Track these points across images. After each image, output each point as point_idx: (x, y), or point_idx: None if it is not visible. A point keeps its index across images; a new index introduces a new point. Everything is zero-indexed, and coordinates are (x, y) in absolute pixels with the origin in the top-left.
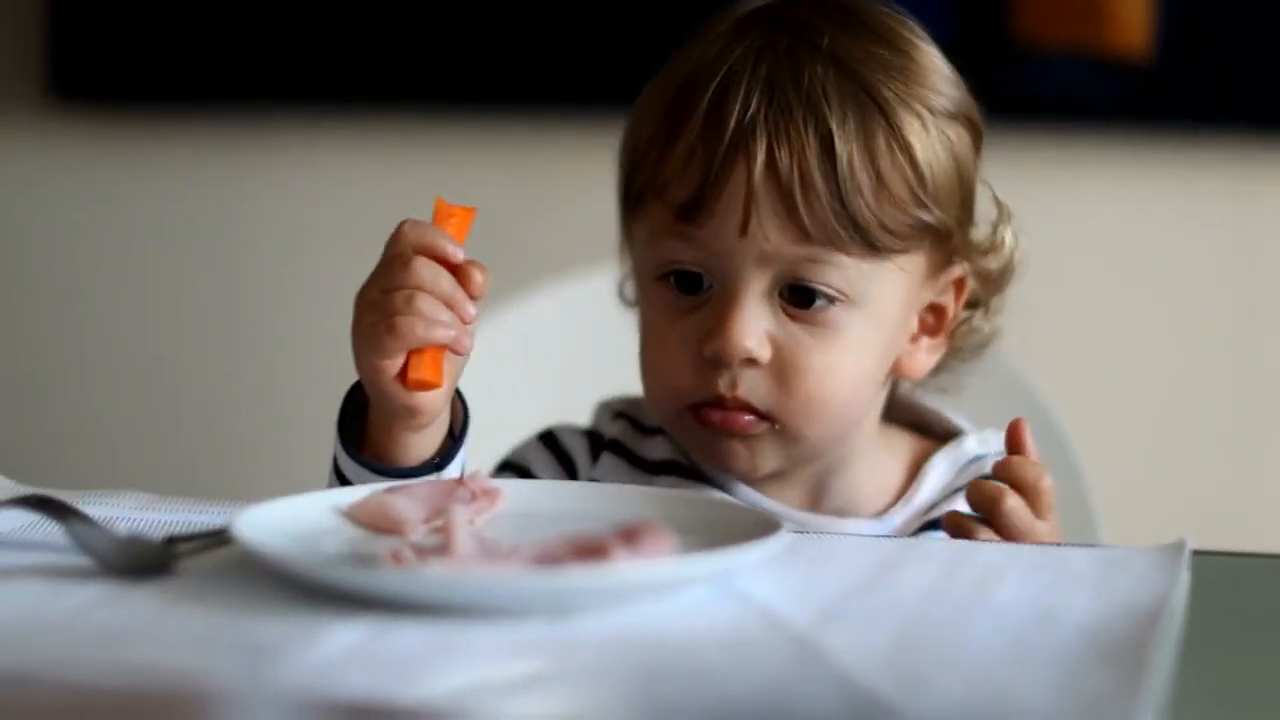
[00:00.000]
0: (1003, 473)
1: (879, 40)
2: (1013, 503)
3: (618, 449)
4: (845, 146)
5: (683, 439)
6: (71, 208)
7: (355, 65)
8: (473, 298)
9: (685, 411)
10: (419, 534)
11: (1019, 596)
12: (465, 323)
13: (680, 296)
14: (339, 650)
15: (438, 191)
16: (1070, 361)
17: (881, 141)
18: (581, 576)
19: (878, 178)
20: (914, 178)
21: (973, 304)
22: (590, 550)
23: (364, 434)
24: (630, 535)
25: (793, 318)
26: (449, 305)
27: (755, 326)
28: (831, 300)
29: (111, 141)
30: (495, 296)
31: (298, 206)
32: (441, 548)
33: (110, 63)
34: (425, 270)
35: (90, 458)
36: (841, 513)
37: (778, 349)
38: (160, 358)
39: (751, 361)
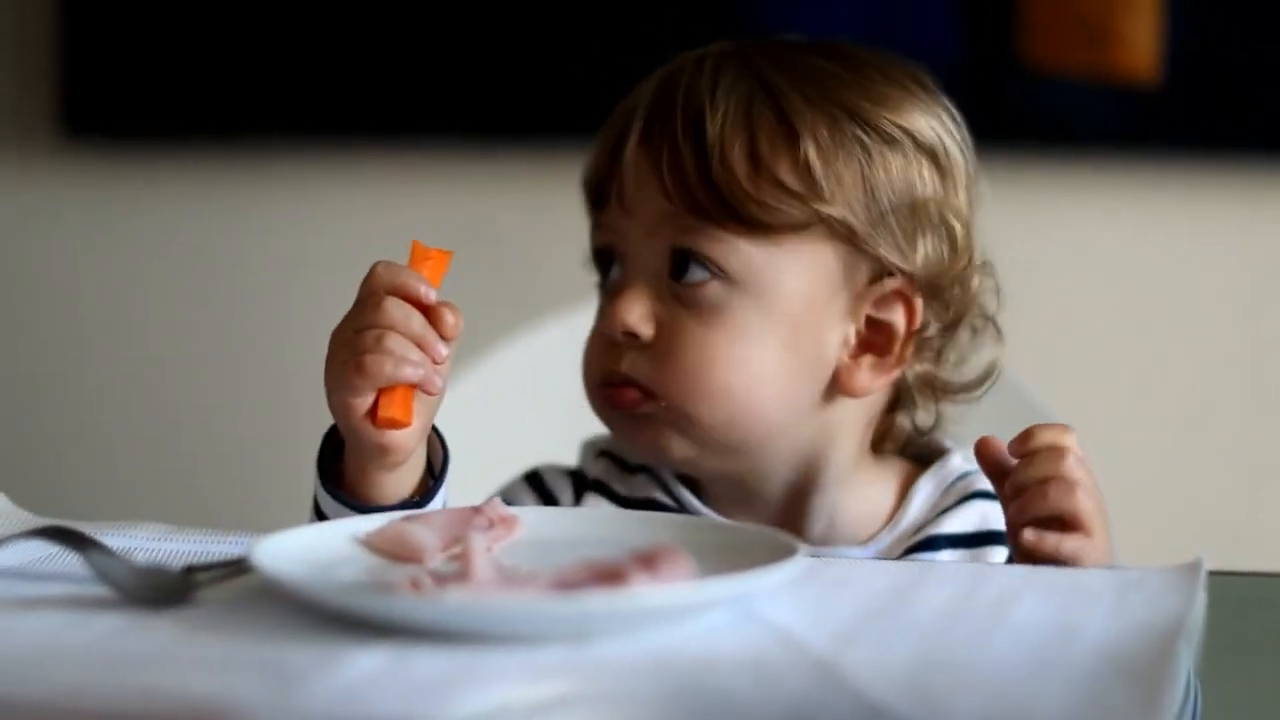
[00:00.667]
0: (1024, 447)
1: (834, 61)
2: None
3: (600, 489)
4: (715, 123)
5: (604, 424)
6: (84, 240)
7: (363, 99)
8: (445, 339)
9: (596, 392)
10: (437, 561)
11: (1036, 617)
12: (436, 363)
13: (604, 283)
14: (361, 676)
15: (446, 222)
16: (1079, 382)
17: (766, 128)
18: (601, 601)
19: (753, 157)
20: (804, 168)
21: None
22: (609, 575)
23: (342, 473)
24: (648, 560)
25: (679, 298)
26: (420, 345)
27: (638, 304)
28: (712, 275)
29: (123, 175)
30: (504, 326)
31: (306, 239)
32: (460, 574)
33: (121, 98)
34: (396, 310)
35: (100, 484)
36: (825, 541)
37: (660, 326)
38: (170, 387)
39: (634, 338)
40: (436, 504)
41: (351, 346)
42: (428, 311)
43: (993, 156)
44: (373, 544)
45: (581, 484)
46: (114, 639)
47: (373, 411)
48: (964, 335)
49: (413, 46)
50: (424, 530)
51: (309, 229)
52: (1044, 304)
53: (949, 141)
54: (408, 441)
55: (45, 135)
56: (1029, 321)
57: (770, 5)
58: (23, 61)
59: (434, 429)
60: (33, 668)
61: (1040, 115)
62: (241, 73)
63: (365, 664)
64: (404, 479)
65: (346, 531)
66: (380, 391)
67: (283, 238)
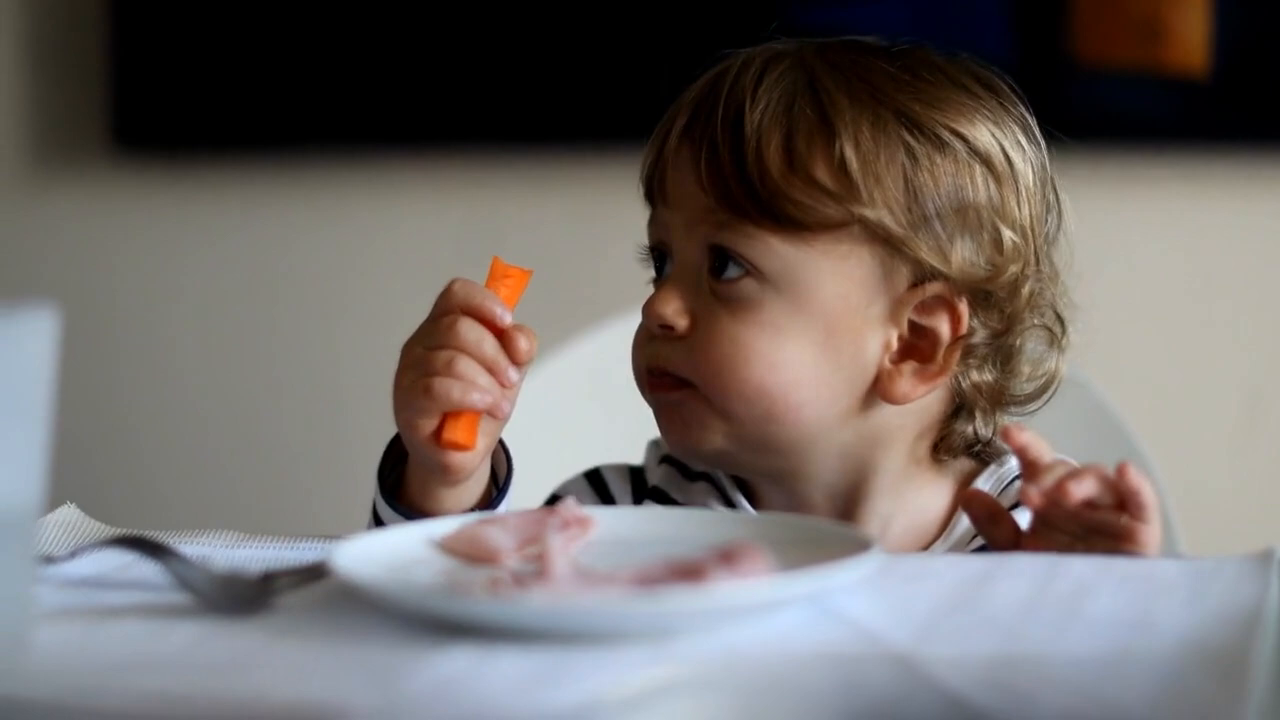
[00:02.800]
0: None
1: (894, 63)
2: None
3: (659, 496)
4: (754, 119)
5: (654, 415)
6: (135, 253)
7: (413, 109)
8: (517, 364)
9: (642, 384)
10: (513, 562)
11: (1113, 609)
12: (505, 387)
13: (657, 279)
14: (446, 677)
15: (504, 229)
16: (1141, 375)
17: (805, 125)
18: (682, 598)
19: (789, 153)
20: (839, 166)
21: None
22: (688, 572)
23: (402, 484)
24: (728, 556)
25: (715, 294)
26: (490, 370)
27: (674, 298)
28: (746, 271)
29: (173, 189)
30: (566, 330)
31: (360, 249)
32: (539, 575)
33: (171, 112)
34: (470, 332)
35: (157, 494)
36: None
37: (694, 320)
38: (223, 398)
39: (670, 330)
40: (501, 510)
41: (421, 366)
42: (501, 334)
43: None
44: (448, 546)
45: (640, 488)
46: (197, 646)
47: (438, 432)
48: (1035, 345)
49: (464, 55)
50: (499, 532)
51: (360, 240)
52: (1096, 299)
53: (1011, 149)
54: (470, 462)
55: (96, 149)
56: (1086, 313)
57: (820, 6)
58: (74, 76)
59: (500, 441)
60: (119, 676)
61: (1091, 111)
62: (291, 86)
63: (449, 666)
64: (465, 495)
65: (421, 534)
66: (446, 414)
67: (333, 248)
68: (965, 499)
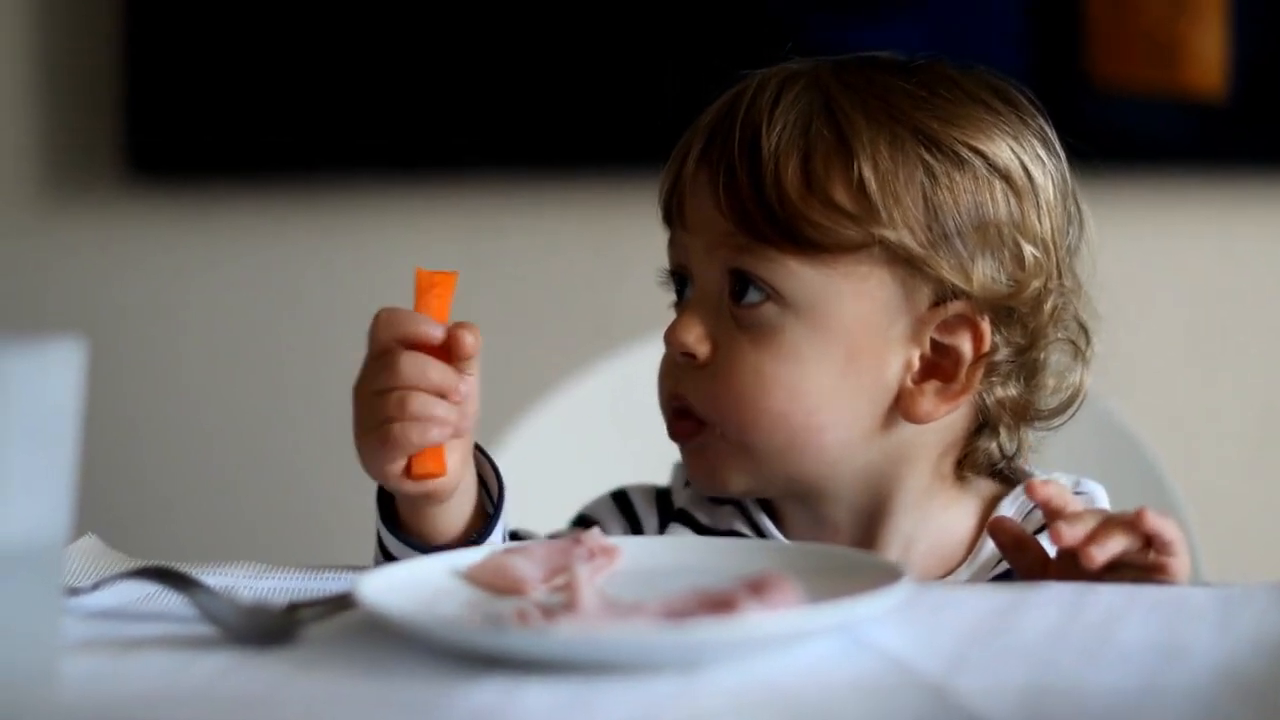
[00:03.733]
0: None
1: (911, 80)
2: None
3: (685, 519)
4: (771, 141)
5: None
6: (150, 276)
7: (431, 132)
8: (464, 358)
9: (669, 425)
10: (540, 593)
11: (1143, 637)
12: (459, 403)
13: (679, 303)
14: (478, 708)
15: (518, 254)
16: (1157, 394)
17: (822, 146)
18: (712, 629)
19: (807, 176)
20: (858, 188)
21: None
22: (718, 603)
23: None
24: (757, 587)
25: (736, 320)
26: (442, 395)
27: (696, 324)
28: (767, 296)
29: (188, 212)
30: (585, 355)
31: (374, 273)
32: (567, 606)
33: (186, 135)
34: (411, 367)
35: (171, 517)
36: None
37: (715, 348)
38: (237, 422)
39: (691, 357)
40: (498, 528)
41: (375, 413)
42: (442, 348)
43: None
44: (473, 577)
45: (667, 510)
46: (223, 678)
47: (408, 468)
48: (1059, 359)
49: (476, 80)
50: (524, 562)
51: (374, 264)
52: (1114, 319)
53: (1030, 163)
54: (449, 483)
55: (110, 174)
56: (1098, 337)
57: (835, 24)
58: (88, 101)
59: (479, 449)
60: (146, 709)
61: (1107, 132)
62: (304, 111)
63: (481, 697)
64: (455, 510)
65: (446, 565)
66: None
67: (347, 273)
68: (991, 526)
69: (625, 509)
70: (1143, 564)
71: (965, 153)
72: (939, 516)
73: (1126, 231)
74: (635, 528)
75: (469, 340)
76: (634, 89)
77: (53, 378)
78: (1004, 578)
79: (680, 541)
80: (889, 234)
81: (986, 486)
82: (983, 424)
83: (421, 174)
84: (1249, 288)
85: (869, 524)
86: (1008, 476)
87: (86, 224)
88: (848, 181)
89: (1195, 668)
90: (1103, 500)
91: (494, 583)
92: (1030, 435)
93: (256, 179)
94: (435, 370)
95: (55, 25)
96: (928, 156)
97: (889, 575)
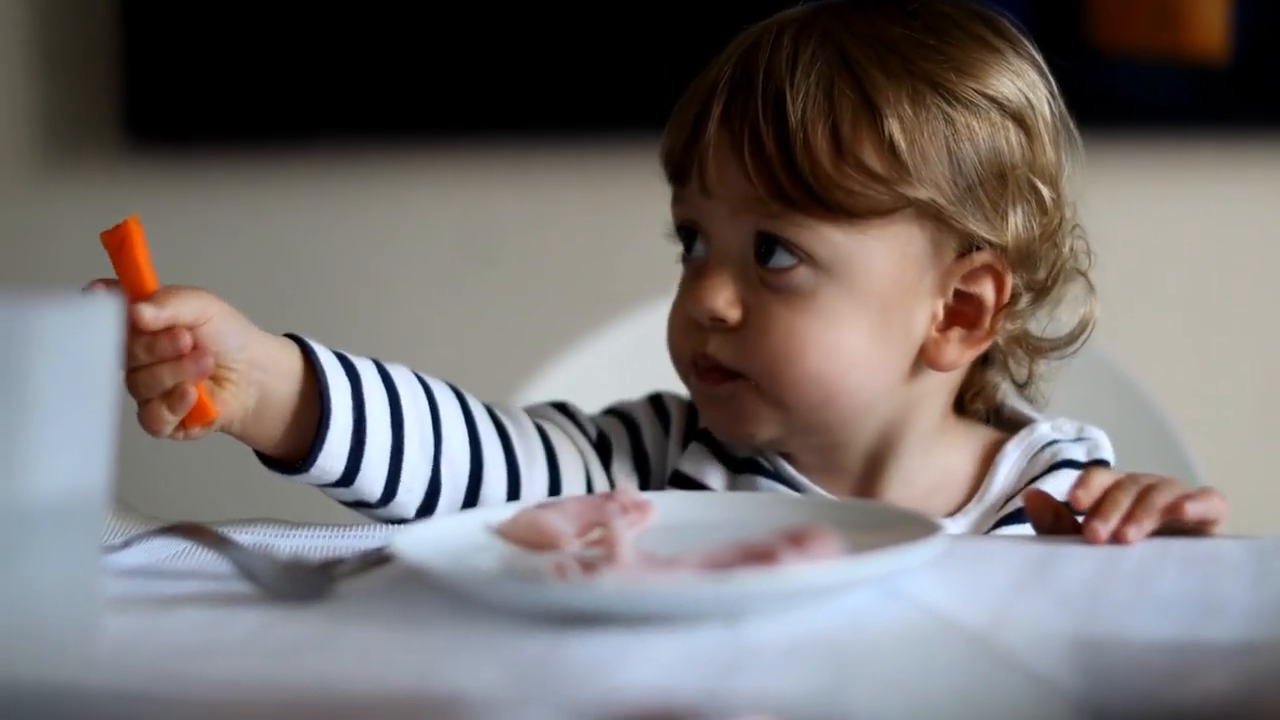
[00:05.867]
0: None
1: (914, 25)
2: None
3: (707, 439)
4: (797, 107)
5: (695, 403)
6: (150, 246)
7: (429, 98)
8: (142, 335)
9: (688, 372)
10: (574, 548)
11: (1181, 589)
12: (180, 358)
13: (688, 259)
14: (523, 659)
15: (517, 221)
16: (1155, 361)
17: (849, 108)
18: (755, 581)
19: (836, 142)
20: (889, 149)
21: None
22: (759, 555)
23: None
24: (798, 539)
25: (765, 282)
26: (161, 361)
27: (724, 287)
28: (799, 260)
29: (186, 181)
30: (588, 325)
31: (373, 240)
32: (607, 559)
33: (183, 104)
34: (124, 354)
35: (169, 489)
36: None
37: (747, 311)
38: None
39: (721, 321)
40: (340, 399)
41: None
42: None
43: (1059, 141)
44: (506, 532)
45: (692, 426)
46: (263, 633)
47: (182, 425)
48: (1068, 289)
49: (473, 45)
50: (558, 517)
51: (372, 231)
52: (1113, 284)
53: (1034, 97)
54: (230, 414)
55: (107, 141)
56: (1103, 301)
57: None
58: (85, 69)
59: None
60: (187, 663)
61: (1110, 96)
62: (301, 77)
63: (526, 649)
64: (271, 420)
65: (478, 521)
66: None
67: (345, 240)
68: (1027, 497)
69: (661, 413)
70: (1185, 531)
71: (981, 100)
72: (942, 456)
73: (1131, 194)
74: (666, 431)
75: (145, 317)
76: (629, 52)
77: (91, 334)
78: (1010, 519)
79: (711, 497)
80: (920, 193)
81: (986, 433)
82: (987, 358)
83: (419, 140)
84: (1253, 250)
85: (875, 464)
86: (1009, 420)
87: (84, 192)
88: (878, 143)
89: (1234, 620)
90: (1106, 448)
91: (528, 538)
92: (1042, 375)
93: (254, 147)
94: (140, 348)
95: None
96: (947, 108)
97: (926, 528)
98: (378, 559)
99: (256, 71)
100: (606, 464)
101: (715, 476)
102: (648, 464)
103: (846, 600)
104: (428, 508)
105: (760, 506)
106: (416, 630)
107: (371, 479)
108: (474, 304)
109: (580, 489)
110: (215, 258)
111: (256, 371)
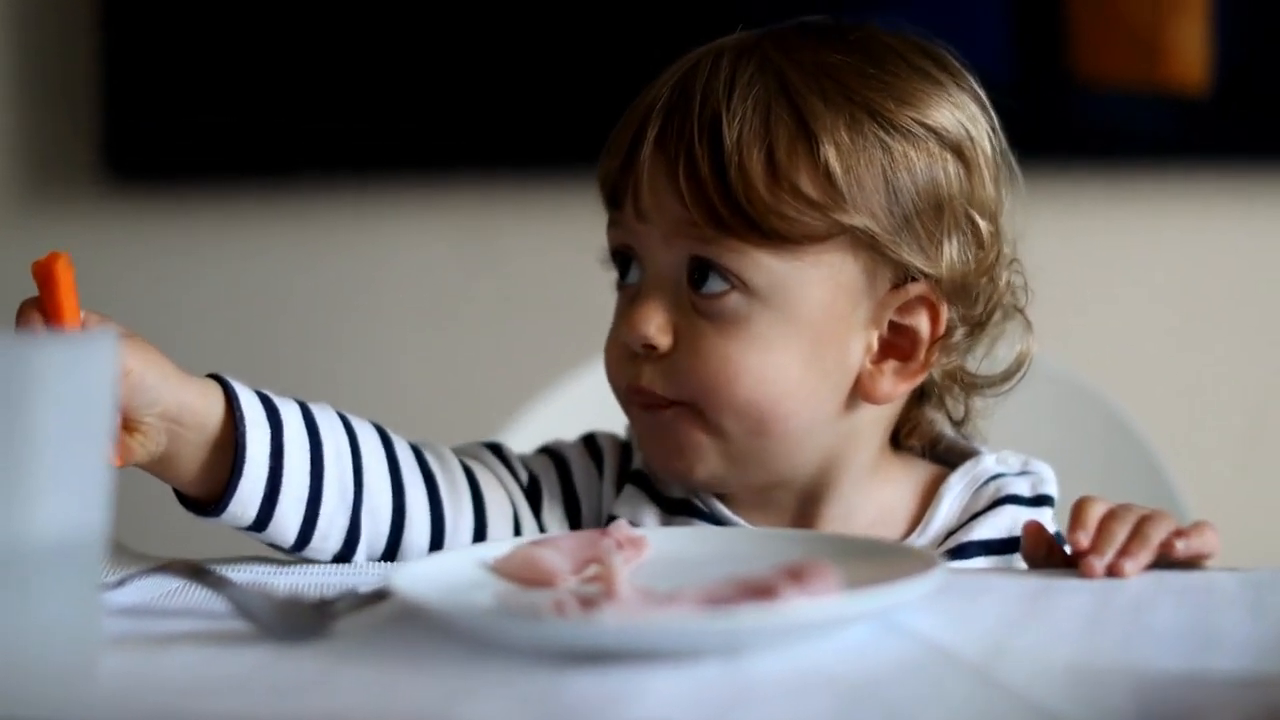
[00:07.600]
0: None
1: (855, 54)
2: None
3: (640, 481)
4: (733, 130)
5: (636, 435)
6: (128, 282)
7: (411, 133)
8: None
9: (628, 402)
10: (571, 584)
11: (1177, 622)
12: None
13: (623, 286)
14: (522, 697)
15: (504, 254)
16: (1135, 392)
17: (785, 134)
18: (756, 616)
19: (772, 167)
20: (824, 175)
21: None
22: (759, 590)
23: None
24: (797, 574)
25: (698, 308)
26: None
27: (656, 314)
28: (732, 286)
29: (166, 217)
30: (568, 361)
31: (355, 276)
32: (605, 595)
33: (163, 141)
34: None
35: (157, 522)
36: None
37: (678, 337)
38: None
39: (653, 349)
40: (256, 440)
41: None
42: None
43: (1044, 170)
44: (501, 569)
45: (625, 467)
46: (261, 671)
47: None
48: (1004, 326)
49: (456, 80)
50: (553, 554)
51: (354, 266)
52: (1097, 315)
53: (974, 130)
54: (140, 457)
55: (87, 177)
56: (1082, 332)
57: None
58: (65, 104)
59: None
60: (185, 701)
61: (1091, 128)
62: (283, 113)
63: (524, 687)
64: (186, 461)
65: (473, 558)
66: None
67: (328, 276)
68: (1025, 530)
69: (594, 454)
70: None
71: (919, 130)
72: (880, 491)
73: (1111, 226)
74: (600, 472)
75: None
76: (614, 88)
77: (90, 372)
78: (954, 554)
79: (703, 532)
80: (855, 221)
81: (926, 468)
82: (923, 393)
83: (403, 176)
84: (1232, 281)
85: (811, 500)
86: (949, 460)
87: (64, 226)
88: (813, 169)
89: (1233, 651)
90: (1050, 482)
91: (522, 575)
92: (980, 410)
93: (235, 182)
94: None
95: (32, 27)
96: (885, 136)
97: (922, 562)
98: (375, 596)
99: (237, 109)
100: (536, 508)
101: (650, 518)
102: (579, 506)
103: (846, 635)
104: (345, 555)
105: (754, 541)
106: (415, 668)
107: (285, 527)
108: (456, 341)
109: (508, 534)
110: (195, 295)
111: (168, 423)
